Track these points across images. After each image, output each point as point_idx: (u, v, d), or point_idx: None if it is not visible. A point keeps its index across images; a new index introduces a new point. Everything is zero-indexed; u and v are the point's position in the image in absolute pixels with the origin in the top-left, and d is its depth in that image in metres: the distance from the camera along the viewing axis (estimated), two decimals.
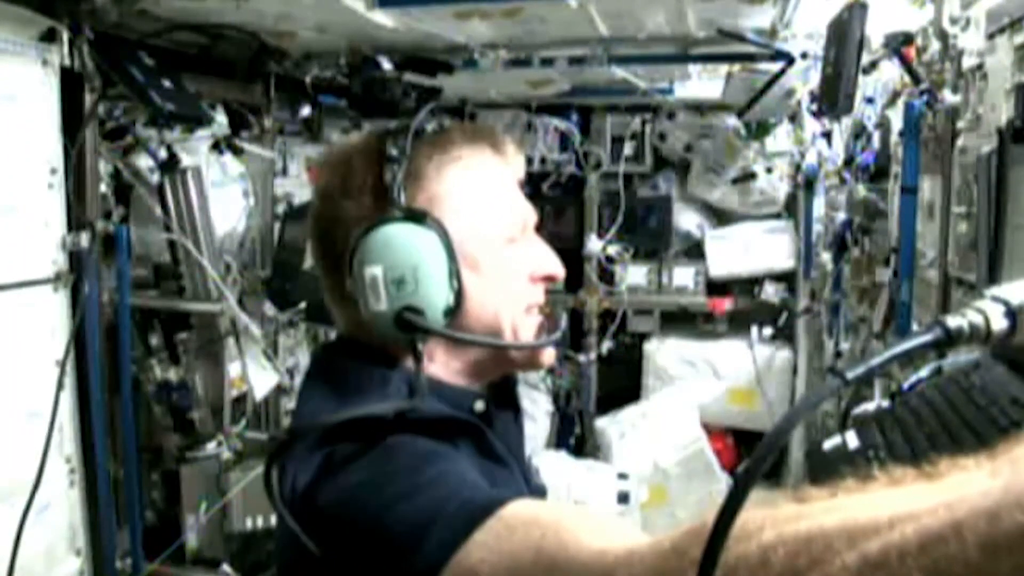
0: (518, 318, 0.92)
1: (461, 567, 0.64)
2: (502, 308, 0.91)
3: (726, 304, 3.77)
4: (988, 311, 0.55)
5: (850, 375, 0.50)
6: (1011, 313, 0.56)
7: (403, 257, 0.84)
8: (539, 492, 1.01)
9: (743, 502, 0.45)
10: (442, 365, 0.92)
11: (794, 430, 0.52)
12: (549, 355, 0.97)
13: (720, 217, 3.87)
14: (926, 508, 0.41)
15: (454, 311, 0.86)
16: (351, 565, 0.73)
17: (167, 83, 2.04)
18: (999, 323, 0.55)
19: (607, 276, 3.83)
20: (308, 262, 2.93)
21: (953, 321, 0.55)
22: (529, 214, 0.96)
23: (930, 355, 1.82)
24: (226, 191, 2.53)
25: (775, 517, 0.48)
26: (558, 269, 0.96)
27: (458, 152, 0.91)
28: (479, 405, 0.94)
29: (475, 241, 0.89)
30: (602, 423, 3.71)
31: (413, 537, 0.67)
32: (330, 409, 0.85)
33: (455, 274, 0.86)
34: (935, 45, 1.84)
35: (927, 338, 0.54)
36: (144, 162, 2.26)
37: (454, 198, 0.89)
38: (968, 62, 1.68)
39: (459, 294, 0.86)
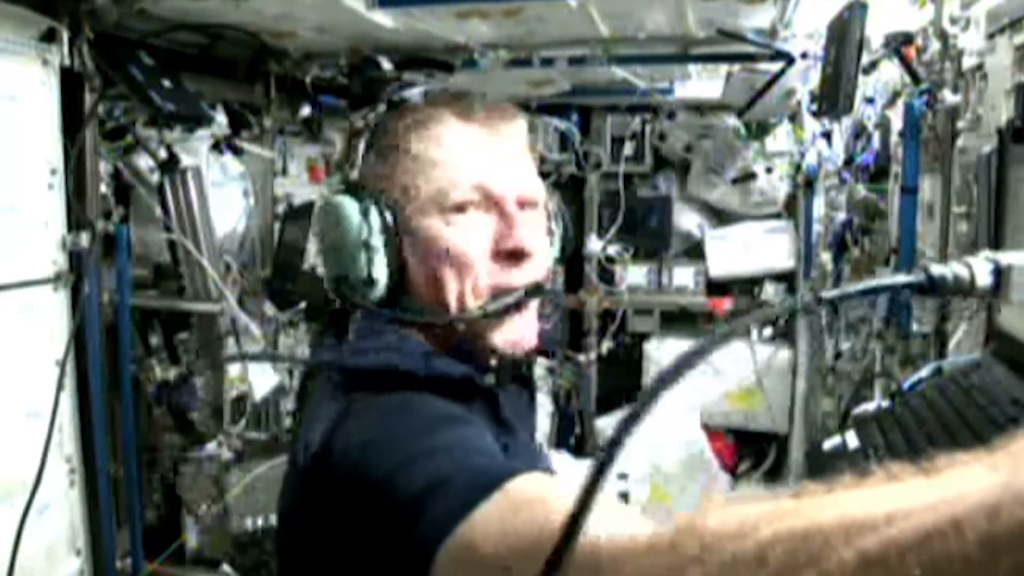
0: (468, 297, 0.88)
1: (464, 539, 0.63)
2: (446, 282, 0.87)
3: (726, 304, 3.76)
4: (975, 266, 0.56)
5: (825, 295, 0.51)
6: (997, 271, 0.56)
7: (332, 228, 0.89)
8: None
9: (614, 459, 0.46)
10: (425, 339, 0.91)
11: (738, 336, 0.53)
12: (510, 337, 0.90)
13: (720, 217, 3.86)
14: (924, 504, 0.41)
15: (394, 283, 0.88)
16: (357, 525, 0.73)
17: (167, 83, 2.04)
18: (984, 279, 0.56)
19: (607, 276, 3.83)
20: (308, 262, 2.94)
21: (937, 269, 0.55)
22: (498, 184, 0.89)
23: (930, 355, 1.82)
24: (226, 191, 2.53)
25: (771, 513, 0.47)
26: (521, 243, 0.88)
27: (416, 117, 0.91)
28: (488, 380, 0.92)
29: (413, 208, 0.88)
30: (602, 423, 3.72)
31: (420, 501, 0.66)
32: (350, 353, 0.88)
33: (370, 246, 0.87)
34: (935, 45, 1.84)
35: (909, 279, 0.55)
36: (144, 162, 2.26)
37: (400, 167, 0.90)
38: (968, 62, 1.68)
39: (397, 267, 0.88)
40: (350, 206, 0.88)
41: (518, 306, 0.89)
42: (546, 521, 0.60)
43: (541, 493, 0.65)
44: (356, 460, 0.75)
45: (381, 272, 0.87)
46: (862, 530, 0.42)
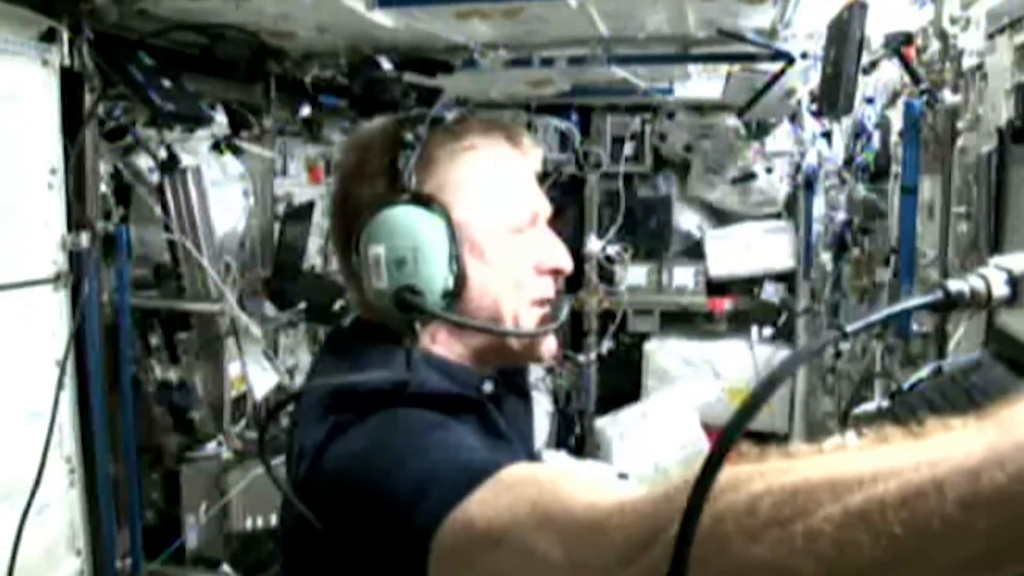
0: (520, 308, 0.93)
1: (458, 521, 0.65)
2: (504, 296, 0.92)
3: (726, 304, 3.77)
4: (990, 277, 0.56)
5: (849, 328, 0.51)
6: (1013, 281, 0.56)
7: (405, 238, 0.87)
8: None
9: (729, 450, 0.46)
10: (445, 348, 0.94)
11: (785, 380, 0.52)
12: (549, 348, 0.98)
13: (720, 217, 3.86)
14: (910, 465, 0.42)
15: (453, 294, 0.88)
16: (353, 529, 0.75)
17: (167, 83, 2.04)
18: (1000, 289, 0.55)
19: (607, 276, 3.83)
20: (308, 262, 2.94)
21: (954, 284, 0.55)
22: (541, 207, 0.97)
23: (930, 355, 1.82)
24: (226, 191, 2.53)
25: (764, 469, 0.49)
26: (565, 262, 0.97)
27: (471, 141, 0.93)
28: (488, 387, 0.95)
29: (480, 229, 0.91)
30: (602, 423, 3.71)
31: (413, 496, 0.69)
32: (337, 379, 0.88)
33: (455, 258, 0.88)
34: (935, 45, 1.84)
35: (927, 299, 0.55)
36: (144, 162, 2.26)
37: (463, 186, 0.92)
38: (968, 62, 1.68)
39: (460, 278, 0.88)
40: (427, 217, 0.88)
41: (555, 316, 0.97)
42: (538, 496, 0.62)
43: (531, 475, 0.67)
44: (348, 466, 0.77)
45: (451, 282, 0.88)
46: (848, 487, 0.43)
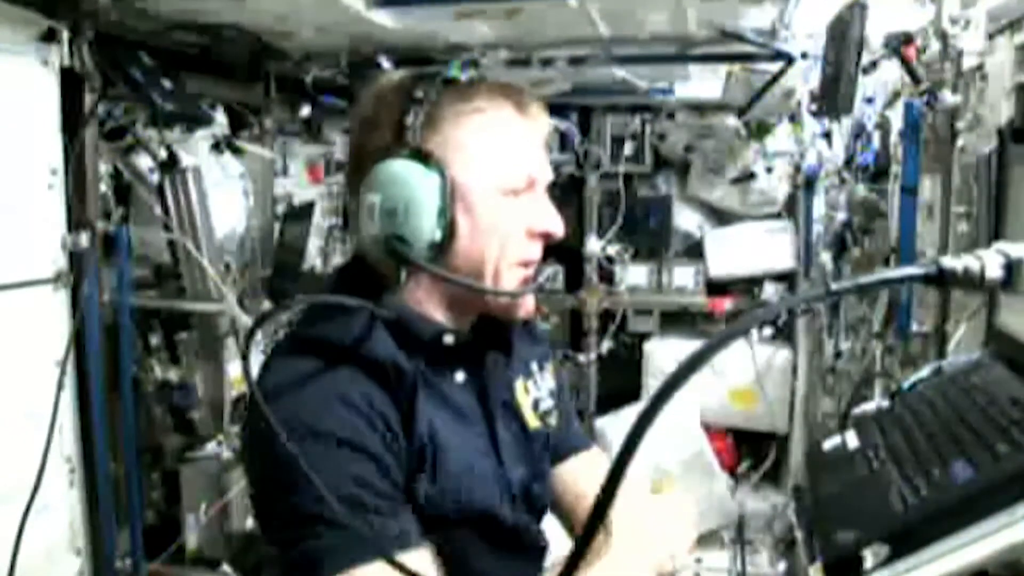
0: (503, 267, 0.98)
1: None
2: (489, 254, 0.97)
3: (726, 304, 3.76)
4: (986, 259, 0.56)
5: (835, 286, 0.51)
6: (1008, 265, 0.55)
7: (399, 190, 0.93)
8: (520, 438, 1.09)
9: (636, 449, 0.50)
10: (426, 293, 1.00)
11: (742, 335, 0.54)
12: (527, 308, 1.03)
13: (720, 217, 3.86)
14: None
15: (438, 247, 0.93)
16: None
17: (167, 83, 2.04)
18: (994, 272, 0.55)
19: (607, 276, 3.83)
20: (308, 262, 2.94)
21: (949, 262, 0.55)
22: (540, 172, 1.01)
23: (930, 355, 1.82)
24: (226, 191, 2.52)
25: None
26: (556, 227, 1.01)
27: (478, 104, 0.98)
28: (448, 339, 1.00)
29: (474, 188, 0.96)
30: (602, 423, 3.71)
31: (298, 535, 0.86)
32: (321, 315, 0.98)
33: (444, 214, 0.93)
34: (935, 45, 1.84)
35: (919, 271, 0.56)
36: (144, 162, 2.26)
37: (463, 145, 0.96)
38: (968, 62, 1.68)
39: (447, 233, 0.93)
40: (422, 172, 0.92)
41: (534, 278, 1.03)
42: None
43: None
44: (268, 447, 0.87)
45: (438, 235, 0.93)
46: None
